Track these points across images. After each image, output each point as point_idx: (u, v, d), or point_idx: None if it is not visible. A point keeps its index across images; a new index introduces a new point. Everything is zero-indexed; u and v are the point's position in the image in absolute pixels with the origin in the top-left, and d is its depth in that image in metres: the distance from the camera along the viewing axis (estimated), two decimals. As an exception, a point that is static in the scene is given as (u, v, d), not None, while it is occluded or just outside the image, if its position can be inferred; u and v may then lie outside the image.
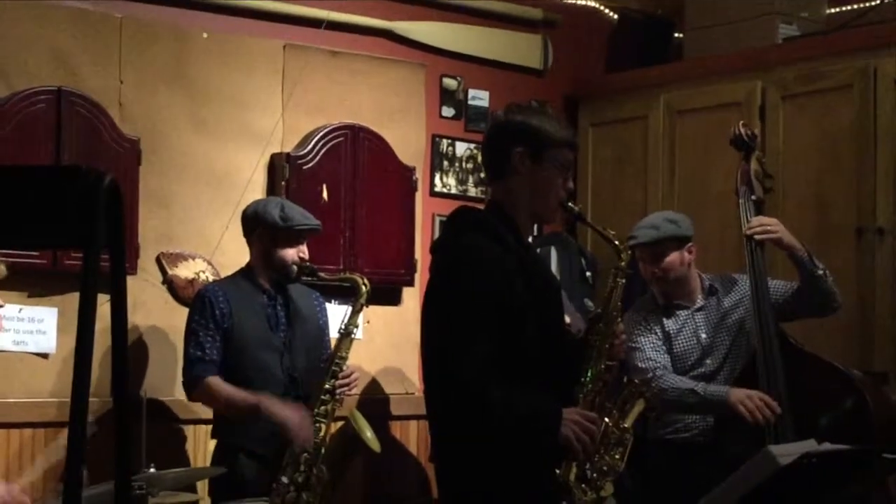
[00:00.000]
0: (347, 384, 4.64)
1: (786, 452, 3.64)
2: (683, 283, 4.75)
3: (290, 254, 4.69)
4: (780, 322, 4.53)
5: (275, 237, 4.68)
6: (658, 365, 4.62)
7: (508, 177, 3.39)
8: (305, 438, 4.44)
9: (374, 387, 5.71)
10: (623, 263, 3.55)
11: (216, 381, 4.57)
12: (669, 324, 4.74)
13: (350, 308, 4.72)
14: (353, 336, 4.67)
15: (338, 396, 4.60)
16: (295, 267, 4.69)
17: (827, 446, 3.76)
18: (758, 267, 4.49)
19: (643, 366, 4.63)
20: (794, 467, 3.57)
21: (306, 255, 4.72)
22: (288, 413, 4.46)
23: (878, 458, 4.06)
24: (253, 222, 4.74)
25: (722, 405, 4.42)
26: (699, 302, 4.77)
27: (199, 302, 4.68)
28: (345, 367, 4.62)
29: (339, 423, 4.79)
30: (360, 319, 4.71)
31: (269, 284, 4.74)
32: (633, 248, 4.72)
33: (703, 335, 4.71)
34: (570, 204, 3.50)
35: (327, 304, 5.00)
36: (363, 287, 4.72)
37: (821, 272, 4.53)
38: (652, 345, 4.69)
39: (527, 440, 3.27)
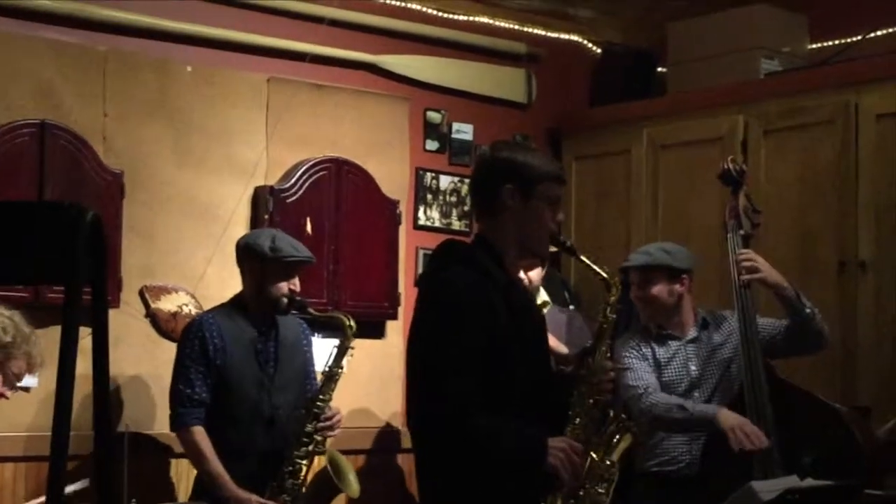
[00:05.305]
0: (330, 426, 4.60)
1: (768, 488, 3.64)
2: (673, 313, 4.75)
3: (281, 287, 4.59)
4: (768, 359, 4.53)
5: (264, 269, 4.58)
6: (649, 384, 4.63)
7: (498, 213, 3.38)
8: None
9: (357, 421, 5.68)
10: (613, 298, 3.52)
11: (201, 436, 4.51)
12: (661, 352, 4.74)
13: (335, 349, 4.66)
14: (336, 378, 4.62)
15: (318, 438, 4.57)
16: (285, 300, 4.60)
17: (810, 482, 3.76)
18: (745, 300, 4.49)
19: (634, 384, 4.64)
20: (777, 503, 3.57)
21: (297, 288, 4.63)
22: None
23: (862, 494, 4.06)
24: (244, 253, 4.67)
25: (709, 424, 4.41)
26: (691, 334, 4.78)
27: (193, 334, 4.59)
28: (327, 410, 4.58)
29: (320, 462, 4.77)
30: (345, 361, 4.65)
31: (261, 317, 4.65)
32: (624, 270, 4.74)
33: (693, 367, 4.71)
34: (561, 238, 3.51)
35: (312, 338, 4.97)
36: (349, 329, 4.67)
37: (808, 311, 4.53)
38: (643, 367, 4.70)
39: (512, 469, 3.25)
